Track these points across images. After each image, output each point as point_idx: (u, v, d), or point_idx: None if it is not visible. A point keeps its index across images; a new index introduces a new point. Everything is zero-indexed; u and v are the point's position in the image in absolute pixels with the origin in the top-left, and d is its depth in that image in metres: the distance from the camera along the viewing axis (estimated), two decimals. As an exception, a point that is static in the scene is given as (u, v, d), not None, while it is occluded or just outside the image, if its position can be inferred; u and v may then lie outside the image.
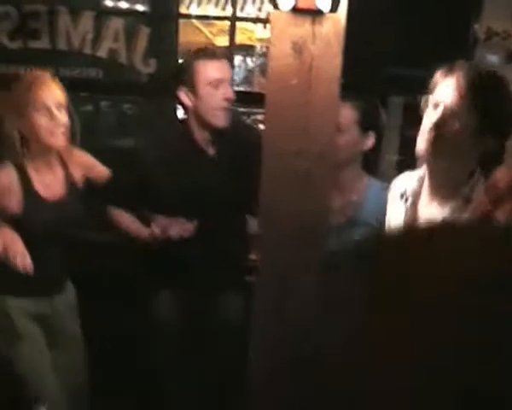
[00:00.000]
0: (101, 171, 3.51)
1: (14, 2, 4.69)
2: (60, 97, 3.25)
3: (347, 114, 3.23)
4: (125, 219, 3.50)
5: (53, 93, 3.23)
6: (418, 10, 3.89)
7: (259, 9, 8.10)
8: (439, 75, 2.47)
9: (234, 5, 5.35)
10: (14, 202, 3.25)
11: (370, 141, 3.28)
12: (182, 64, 3.51)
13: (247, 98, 5.43)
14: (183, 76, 3.41)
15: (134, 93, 5.05)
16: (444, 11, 3.90)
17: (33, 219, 3.25)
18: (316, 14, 2.86)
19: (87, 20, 4.70)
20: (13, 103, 3.21)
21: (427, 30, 3.77)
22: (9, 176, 3.26)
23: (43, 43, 4.74)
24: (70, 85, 4.69)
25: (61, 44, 4.73)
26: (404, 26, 3.82)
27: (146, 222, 3.40)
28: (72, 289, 3.61)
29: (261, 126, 7.17)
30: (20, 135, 3.23)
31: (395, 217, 2.68)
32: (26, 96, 3.19)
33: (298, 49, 2.89)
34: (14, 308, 3.32)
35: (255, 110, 6.53)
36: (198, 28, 7.53)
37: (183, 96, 3.41)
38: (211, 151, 3.50)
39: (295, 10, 2.86)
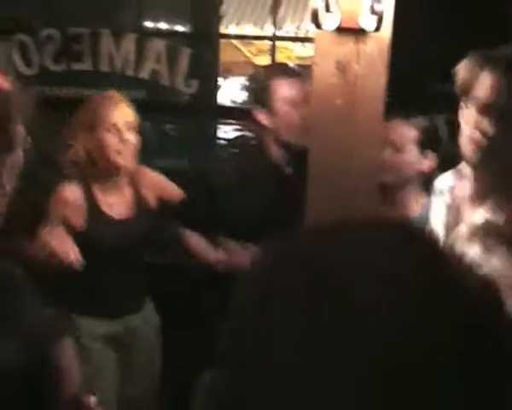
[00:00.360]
0: (174, 192, 3.49)
1: (58, 25, 4.76)
2: (129, 117, 3.26)
3: (405, 132, 3.15)
4: (195, 241, 3.42)
5: (122, 113, 3.24)
6: (462, 26, 3.87)
7: (298, 27, 8.13)
8: (473, 66, 2.28)
9: (275, 24, 5.36)
10: (79, 219, 3.26)
11: (430, 162, 3.17)
12: (257, 84, 3.46)
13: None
14: (259, 96, 3.38)
15: (176, 114, 5.09)
16: (488, 27, 3.87)
17: (97, 237, 3.24)
18: (359, 33, 2.86)
19: (129, 42, 4.74)
20: (83, 123, 3.25)
21: (470, 45, 3.75)
22: (75, 193, 3.27)
23: (86, 66, 4.79)
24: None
25: (103, 66, 4.77)
26: (447, 42, 3.80)
27: (217, 246, 3.33)
28: (151, 310, 3.55)
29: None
30: (89, 154, 3.26)
31: (436, 214, 2.59)
32: (96, 116, 3.21)
33: (342, 68, 2.89)
34: (82, 328, 3.33)
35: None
36: (237, 48, 7.57)
37: (260, 115, 3.37)
38: (287, 170, 3.44)
39: (339, 29, 2.85)
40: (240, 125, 6.14)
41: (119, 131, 3.21)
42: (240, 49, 7.55)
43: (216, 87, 5.09)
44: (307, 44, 8.53)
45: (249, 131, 6.45)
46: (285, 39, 6.50)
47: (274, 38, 5.29)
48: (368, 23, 2.80)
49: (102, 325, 3.37)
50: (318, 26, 2.82)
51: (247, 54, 7.69)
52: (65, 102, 4.62)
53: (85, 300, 3.27)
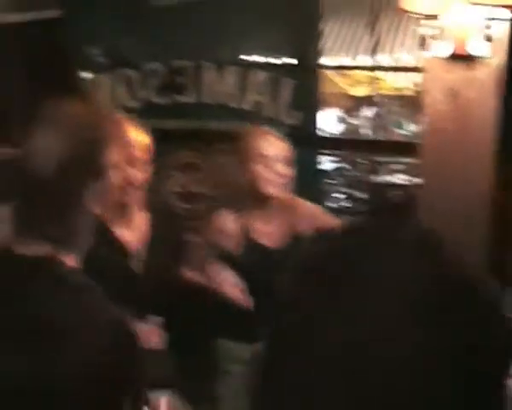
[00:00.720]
0: (329, 222, 3.51)
1: (162, 59, 4.87)
2: (281, 150, 3.38)
3: None
4: None
5: (273, 145, 3.37)
6: None
7: (392, 57, 8.07)
8: None
9: (372, 55, 5.37)
10: (233, 245, 3.38)
11: None
12: None
13: (384, 148, 5.42)
14: None
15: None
16: None
17: (247, 263, 3.33)
18: (470, 59, 2.84)
19: (231, 74, 4.80)
20: (237, 156, 3.42)
21: None
22: (230, 221, 3.41)
23: (189, 98, 4.87)
24: (216, 138, 4.84)
25: (206, 98, 4.85)
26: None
27: None
28: None
29: (400, 176, 7.11)
30: (243, 185, 3.38)
31: None
32: (247, 149, 3.36)
33: (453, 94, 2.88)
34: (221, 350, 3.40)
35: (390, 159, 6.51)
36: (332, 79, 7.55)
37: None
38: None
39: (450, 56, 2.84)
40: (337, 155, 6.15)
41: (269, 162, 3.32)
42: (334, 81, 7.54)
43: (317, 118, 5.10)
44: (402, 75, 8.46)
45: (347, 162, 6.47)
46: (388, 70, 6.47)
47: (374, 69, 5.30)
48: (479, 49, 2.79)
49: (241, 348, 3.41)
50: (429, 53, 2.82)
51: (342, 85, 7.66)
52: (169, 134, 4.72)
53: (226, 322, 3.35)
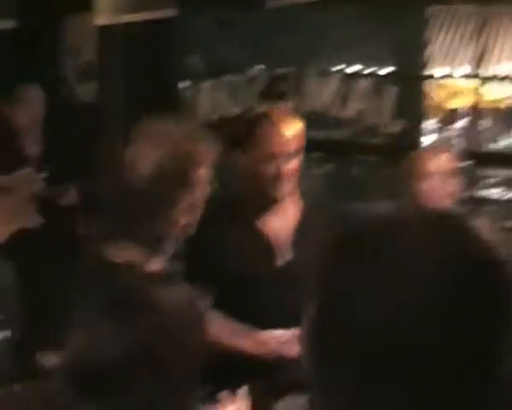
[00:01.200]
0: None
1: (266, 64, 4.90)
2: (447, 164, 3.41)
3: None
4: None
5: (440, 161, 3.40)
6: None
7: (491, 69, 7.92)
8: None
9: (474, 65, 5.30)
10: None
11: None
12: None
13: (479, 160, 5.34)
14: None
15: (379, 154, 5.06)
16: None
17: None
18: None
19: (334, 82, 4.79)
20: (408, 171, 3.47)
21: None
22: None
23: (290, 105, 4.88)
24: (316, 147, 4.83)
25: (307, 106, 4.85)
26: None
27: None
28: None
29: (494, 190, 6.99)
30: (409, 202, 3.42)
31: None
32: (419, 165, 3.41)
33: None
34: None
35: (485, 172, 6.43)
36: (428, 90, 7.45)
37: None
38: None
39: None
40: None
41: (437, 177, 3.34)
42: (430, 91, 7.44)
43: (421, 127, 5.04)
44: (499, 87, 8.28)
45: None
46: (487, 80, 6.39)
47: (476, 78, 5.25)
48: None
49: None
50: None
51: (438, 96, 7.55)
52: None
53: None
